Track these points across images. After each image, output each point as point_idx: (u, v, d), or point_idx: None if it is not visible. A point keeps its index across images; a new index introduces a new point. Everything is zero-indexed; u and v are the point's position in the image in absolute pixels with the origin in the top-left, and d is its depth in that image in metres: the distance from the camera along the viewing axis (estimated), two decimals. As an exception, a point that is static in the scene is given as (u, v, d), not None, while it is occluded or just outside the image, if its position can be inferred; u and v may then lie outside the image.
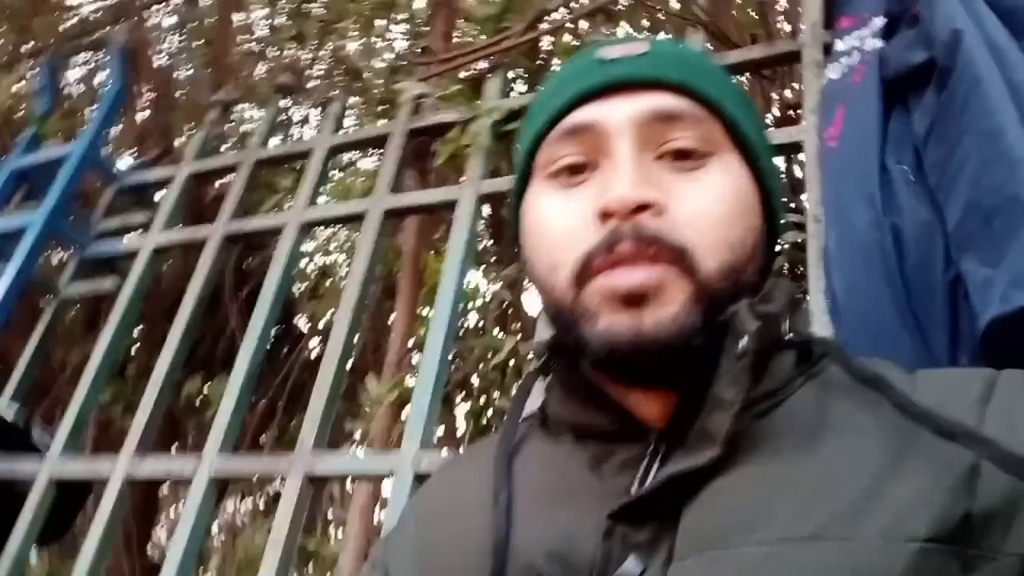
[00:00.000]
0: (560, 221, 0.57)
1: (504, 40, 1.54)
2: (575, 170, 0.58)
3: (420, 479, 1.22)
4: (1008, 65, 0.90)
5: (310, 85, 2.06)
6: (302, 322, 3.52)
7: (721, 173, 0.58)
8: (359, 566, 1.84)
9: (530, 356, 0.67)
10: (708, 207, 0.55)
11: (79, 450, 1.82)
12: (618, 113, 0.57)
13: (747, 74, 1.70)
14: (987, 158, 0.85)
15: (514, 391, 0.69)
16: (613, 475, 0.55)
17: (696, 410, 0.54)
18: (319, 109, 1.89)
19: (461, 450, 1.32)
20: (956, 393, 0.52)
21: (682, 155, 0.57)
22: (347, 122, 2.45)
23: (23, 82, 2.05)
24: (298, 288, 3.62)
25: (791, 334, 0.58)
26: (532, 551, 0.53)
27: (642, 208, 0.53)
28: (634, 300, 0.52)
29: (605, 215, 0.54)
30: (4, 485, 1.69)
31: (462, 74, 1.66)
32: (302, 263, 3.78)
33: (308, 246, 3.78)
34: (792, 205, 1.54)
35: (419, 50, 1.75)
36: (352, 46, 1.77)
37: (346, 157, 2.70)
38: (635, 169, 0.55)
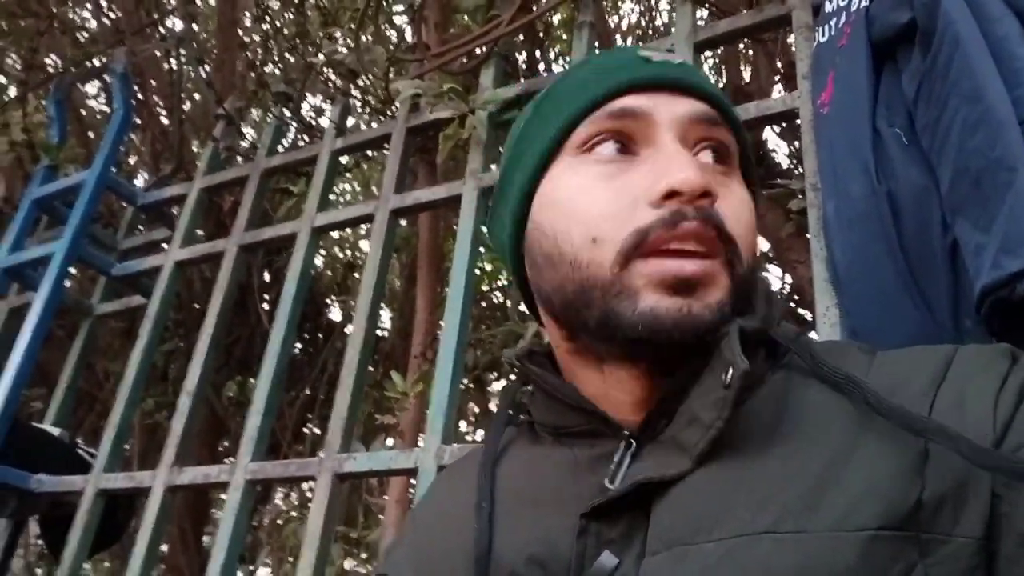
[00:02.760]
0: (607, 196, 0.57)
1: (493, 29, 1.54)
2: (621, 149, 0.59)
3: (445, 472, 1.25)
4: (988, 19, 0.87)
5: (309, 89, 2.06)
6: (335, 312, 3.59)
7: (739, 184, 0.61)
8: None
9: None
10: (743, 211, 0.59)
11: (123, 460, 1.88)
12: (666, 108, 0.59)
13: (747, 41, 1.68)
14: (970, 120, 0.84)
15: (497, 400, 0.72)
16: (588, 473, 0.57)
17: (668, 409, 0.56)
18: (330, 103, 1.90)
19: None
20: (912, 375, 0.53)
21: (718, 158, 0.60)
22: (352, 121, 2.47)
23: (37, 114, 2.10)
24: (329, 278, 3.68)
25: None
26: (513, 557, 0.55)
27: (704, 195, 0.55)
28: (686, 288, 0.54)
29: (670, 195, 0.55)
30: (56, 501, 1.77)
31: (457, 65, 1.66)
32: (333, 253, 3.83)
33: (335, 233, 3.82)
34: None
35: (412, 46, 1.75)
36: (346, 48, 1.78)
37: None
38: (693, 159, 0.57)
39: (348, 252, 3.86)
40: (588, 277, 0.56)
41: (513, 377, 0.72)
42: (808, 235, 1.16)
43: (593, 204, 0.58)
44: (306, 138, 2.15)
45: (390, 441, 2.39)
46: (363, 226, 3.71)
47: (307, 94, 2.17)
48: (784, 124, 2.00)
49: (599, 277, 0.56)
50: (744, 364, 0.50)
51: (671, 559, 0.48)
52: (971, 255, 0.84)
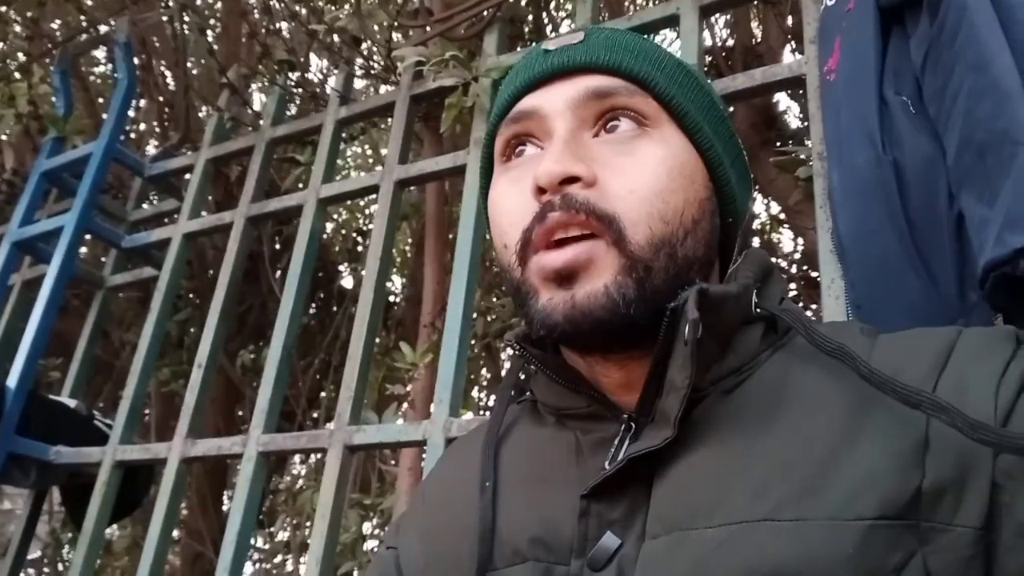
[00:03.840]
0: (509, 203, 0.60)
1: (497, -6, 1.51)
2: (519, 153, 0.62)
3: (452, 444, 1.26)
4: (998, -15, 0.85)
5: (313, 57, 2.04)
6: (347, 279, 3.60)
7: (656, 145, 0.59)
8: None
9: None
10: (640, 179, 0.57)
11: (140, 431, 1.91)
12: (556, 97, 0.61)
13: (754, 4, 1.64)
14: (976, 90, 0.81)
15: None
16: (590, 456, 0.58)
17: (660, 387, 0.56)
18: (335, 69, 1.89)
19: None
20: (913, 359, 0.52)
21: (612, 120, 0.60)
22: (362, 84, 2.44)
23: (43, 85, 2.09)
24: (341, 245, 3.68)
25: (758, 309, 0.59)
26: (516, 537, 0.56)
27: (571, 181, 0.55)
28: (566, 278, 0.54)
29: (539, 191, 0.56)
30: (75, 471, 1.81)
31: (462, 29, 1.63)
32: (345, 219, 3.83)
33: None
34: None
35: (415, 11, 1.72)
36: (346, 13, 1.75)
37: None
38: (565, 146, 0.57)
39: (359, 219, 3.85)
40: (511, 281, 0.59)
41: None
42: (816, 207, 1.15)
43: (503, 211, 0.60)
44: (313, 106, 2.13)
45: (404, 406, 2.41)
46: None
47: (314, 61, 2.14)
48: (790, 91, 1.96)
49: (515, 280, 0.58)
50: (693, 314, 0.51)
51: (670, 544, 0.49)
52: (975, 229, 0.82)
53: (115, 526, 2.86)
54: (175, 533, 3.20)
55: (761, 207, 2.82)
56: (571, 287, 0.54)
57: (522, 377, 0.70)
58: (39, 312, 1.78)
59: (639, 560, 0.50)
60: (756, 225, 2.88)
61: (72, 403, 1.89)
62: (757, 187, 2.33)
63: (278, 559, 3.55)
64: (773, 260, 0.69)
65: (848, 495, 0.46)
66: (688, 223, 0.58)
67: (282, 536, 3.03)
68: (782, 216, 2.63)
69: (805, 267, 2.61)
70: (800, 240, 2.36)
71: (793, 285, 2.57)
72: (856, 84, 1.03)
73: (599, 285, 0.54)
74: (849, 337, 0.56)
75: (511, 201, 0.59)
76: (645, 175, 0.57)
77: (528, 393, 0.69)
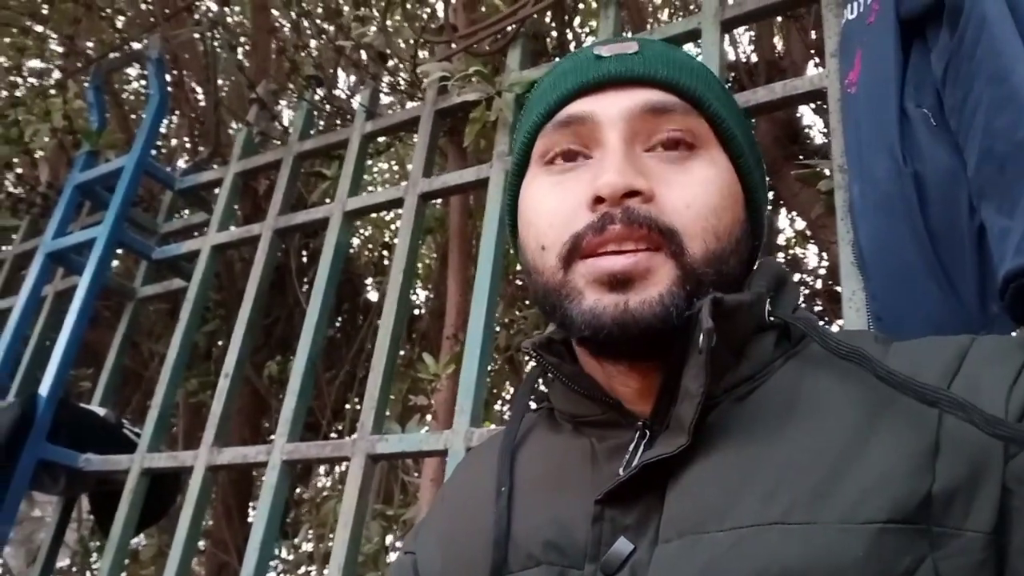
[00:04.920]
0: (552, 204, 0.60)
1: (520, 8, 1.53)
2: (569, 158, 0.61)
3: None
4: (1017, -4, 0.85)
5: (340, 72, 2.08)
6: (373, 291, 3.63)
7: (708, 165, 0.60)
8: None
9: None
10: (696, 196, 0.58)
11: (167, 441, 1.94)
12: (611, 106, 0.61)
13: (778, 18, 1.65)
14: (996, 102, 0.82)
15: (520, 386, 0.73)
16: (605, 462, 0.58)
17: (674, 395, 0.56)
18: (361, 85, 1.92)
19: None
20: (926, 364, 0.53)
21: (671, 145, 0.60)
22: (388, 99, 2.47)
23: (77, 100, 2.15)
24: (366, 258, 3.72)
25: (771, 317, 0.60)
26: (531, 541, 0.57)
27: (632, 194, 0.56)
28: (620, 283, 0.55)
29: (597, 200, 0.56)
30: (104, 479, 1.84)
31: (486, 44, 1.66)
32: (370, 233, 3.87)
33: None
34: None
35: (440, 27, 1.75)
36: (374, 29, 1.79)
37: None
38: (625, 158, 0.58)
39: (385, 234, 3.89)
40: (544, 283, 0.59)
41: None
42: (837, 219, 1.15)
43: (542, 213, 0.60)
44: (340, 121, 2.16)
45: (428, 417, 2.43)
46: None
47: (341, 76, 2.18)
48: (813, 104, 1.96)
49: (551, 283, 0.58)
50: (708, 323, 0.51)
51: (683, 547, 0.49)
52: (996, 240, 0.82)
53: (142, 535, 2.89)
54: (201, 543, 3.23)
55: (785, 222, 2.81)
56: (625, 292, 0.54)
57: (539, 386, 0.71)
58: (71, 322, 1.82)
59: (652, 564, 0.50)
60: (781, 240, 2.87)
61: (102, 411, 1.93)
62: (781, 202, 2.32)
63: (301, 570, 3.56)
64: (798, 276, 0.70)
65: (858, 499, 0.46)
66: (733, 243, 0.59)
67: (306, 547, 3.05)
68: (808, 232, 2.62)
69: (830, 282, 2.60)
70: (825, 255, 2.35)
71: (819, 300, 2.55)
72: (877, 97, 1.03)
73: (654, 293, 0.54)
74: (863, 343, 0.56)
75: (554, 203, 0.60)
76: (701, 192, 0.58)
77: (545, 401, 0.70)
